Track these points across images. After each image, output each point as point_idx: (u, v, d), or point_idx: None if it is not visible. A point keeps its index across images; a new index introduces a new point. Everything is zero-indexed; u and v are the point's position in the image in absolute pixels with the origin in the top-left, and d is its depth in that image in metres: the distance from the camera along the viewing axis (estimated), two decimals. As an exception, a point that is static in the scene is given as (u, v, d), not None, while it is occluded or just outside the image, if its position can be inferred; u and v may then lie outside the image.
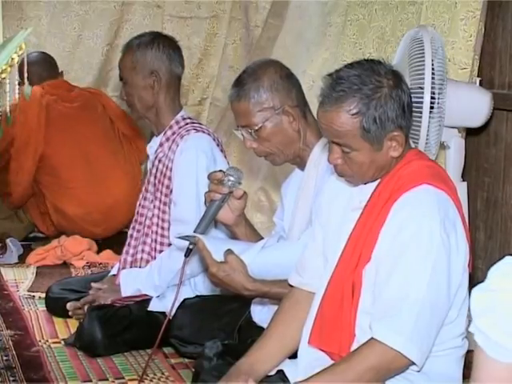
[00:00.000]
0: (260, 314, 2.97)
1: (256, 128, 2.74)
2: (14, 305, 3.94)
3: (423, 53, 3.13)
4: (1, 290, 4.19)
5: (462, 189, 3.25)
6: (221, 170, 2.86)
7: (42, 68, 4.94)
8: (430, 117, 3.14)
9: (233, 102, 2.79)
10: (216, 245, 2.68)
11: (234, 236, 2.99)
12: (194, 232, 2.74)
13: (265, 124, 2.74)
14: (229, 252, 2.65)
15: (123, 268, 3.56)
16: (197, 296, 3.41)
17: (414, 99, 2.28)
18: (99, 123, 5.01)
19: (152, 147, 3.59)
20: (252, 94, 2.74)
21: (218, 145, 3.50)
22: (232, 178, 2.81)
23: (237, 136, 2.85)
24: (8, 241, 4.84)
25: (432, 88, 3.13)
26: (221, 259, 2.64)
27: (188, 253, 2.72)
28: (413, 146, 2.35)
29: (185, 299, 3.33)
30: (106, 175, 4.88)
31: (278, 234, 3.01)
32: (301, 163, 2.83)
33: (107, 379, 3.12)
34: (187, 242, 2.74)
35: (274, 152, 2.79)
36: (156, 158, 3.53)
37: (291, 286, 2.50)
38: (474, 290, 1.36)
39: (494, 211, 3.93)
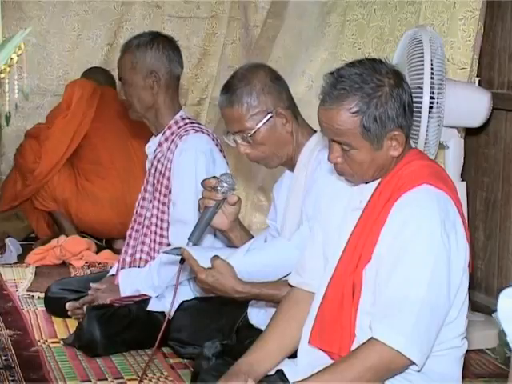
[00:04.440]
0: (257, 316, 2.97)
1: (250, 133, 2.73)
2: (13, 305, 3.94)
3: (422, 53, 3.14)
4: (0, 289, 4.19)
5: (461, 189, 3.25)
6: (214, 177, 2.86)
7: (102, 76, 5.31)
8: (429, 117, 3.14)
9: (224, 108, 2.77)
10: (202, 253, 2.69)
11: (229, 241, 3.00)
12: (189, 239, 2.76)
13: (259, 128, 2.73)
14: (215, 257, 2.66)
15: (122, 268, 3.56)
16: (195, 297, 3.40)
17: (413, 99, 2.28)
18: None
19: (151, 147, 3.59)
20: (245, 99, 2.72)
21: (217, 145, 3.50)
22: (226, 185, 2.81)
23: (227, 143, 2.84)
24: (7, 241, 4.84)
25: (431, 88, 3.14)
26: (208, 266, 2.65)
27: (183, 260, 2.72)
28: (413, 145, 2.35)
29: (183, 301, 3.33)
30: (137, 171, 4.91)
31: (266, 233, 3.01)
32: (292, 165, 2.83)
33: (106, 379, 3.12)
34: (174, 256, 2.75)
35: (269, 155, 2.78)
36: (155, 158, 3.53)
37: (291, 285, 2.50)
38: (503, 294, 1.34)
39: (494, 211, 3.94)
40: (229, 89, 2.76)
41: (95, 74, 5.29)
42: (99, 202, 4.99)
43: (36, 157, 5.06)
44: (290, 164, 2.83)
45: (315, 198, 2.55)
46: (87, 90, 5.12)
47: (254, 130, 2.73)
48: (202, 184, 2.86)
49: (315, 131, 2.76)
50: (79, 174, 5.07)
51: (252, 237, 3.02)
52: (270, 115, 2.74)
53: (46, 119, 5.27)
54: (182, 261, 2.71)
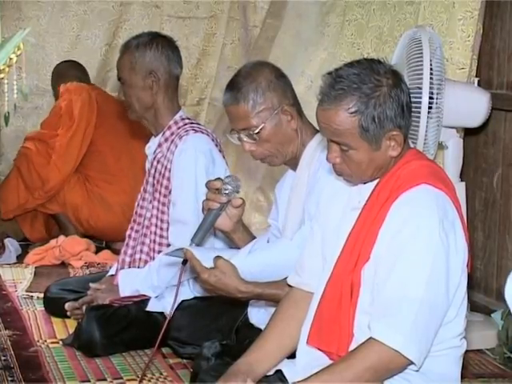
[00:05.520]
0: (257, 315, 2.97)
1: (256, 130, 2.73)
2: (13, 305, 3.94)
3: (421, 53, 3.14)
4: (-1, 290, 4.19)
5: (460, 189, 3.26)
6: (219, 178, 2.85)
7: (80, 72, 5.21)
8: (428, 117, 3.14)
9: (230, 105, 2.76)
10: (204, 253, 2.70)
11: (231, 242, 3.00)
12: (192, 240, 2.76)
13: (265, 125, 2.73)
14: (218, 257, 2.66)
15: (121, 268, 3.56)
16: (195, 297, 3.41)
17: (412, 99, 2.28)
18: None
19: (151, 147, 3.58)
20: (251, 96, 2.72)
21: (216, 145, 3.50)
22: (230, 187, 2.81)
23: (231, 141, 2.84)
24: (6, 241, 4.84)
25: (430, 88, 3.14)
26: (211, 266, 2.65)
27: (186, 261, 2.72)
28: (412, 145, 2.35)
29: (182, 300, 3.33)
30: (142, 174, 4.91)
31: (269, 233, 3.01)
32: (295, 163, 2.83)
33: (105, 379, 3.12)
34: (175, 258, 2.75)
35: (273, 153, 2.78)
36: (154, 158, 3.52)
37: (290, 285, 2.50)
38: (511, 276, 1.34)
39: (493, 211, 3.94)
40: (234, 86, 2.76)
41: (73, 71, 5.19)
42: (111, 208, 4.97)
43: (45, 160, 5.01)
44: (293, 162, 2.83)
45: (317, 197, 2.55)
46: (85, 96, 5.06)
47: (260, 127, 2.73)
48: (207, 186, 2.86)
49: (318, 131, 2.76)
50: (88, 181, 5.04)
51: (254, 238, 3.01)
52: (275, 112, 2.74)
53: (42, 125, 5.20)
54: (185, 262, 2.71)
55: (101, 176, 5.04)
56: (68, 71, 5.18)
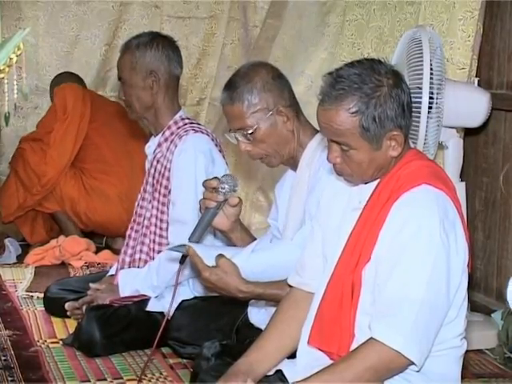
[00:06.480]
0: (257, 315, 2.97)
1: (251, 130, 2.74)
2: (13, 305, 3.94)
3: (421, 53, 3.14)
4: (-1, 290, 4.19)
5: (460, 189, 3.26)
6: (216, 177, 2.86)
7: (77, 80, 5.30)
8: (428, 117, 3.14)
9: (226, 105, 2.78)
10: (207, 251, 2.70)
11: (229, 241, 3.00)
12: (189, 239, 2.76)
13: (259, 125, 2.74)
14: (220, 256, 2.66)
15: (121, 268, 3.56)
16: (195, 297, 3.41)
17: (412, 99, 2.28)
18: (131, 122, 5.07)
19: (150, 147, 3.58)
20: (246, 96, 2.73)
21: (216, 145, 3.50)
22: (227, 186, 2.81)
23: (229, 140, 2.85)
24: (6, 241, 4.84)
25: (430, 88, 3.14)
26: (212, 264, 2.65)
27: (183, 260, 2.72)
28: (412, 145, 2.35)
29: (183, 300, 3.33)
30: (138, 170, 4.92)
31: (271, 234, 3.01)
32: (294, 164, 2.83)
33: (105, 379, 3.12)
34: (177, 253, 2.75)
35: (270, 153, 2.78)
36: (154, 158, 3.53)
37: (290, 286, 2.50)
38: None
39: (493, 211, 3.94)
40: (230, 86, 2.77)
41: (70, 80, 5.25)
42: (109, 199, 5.00)
43: (40, 158, 5.03)
44: (292, 163, 2.83)
45: (318, 197, 2.55)
46: (79, 92, 5.13)
47: (254, 128, 2.73)
48: (204, 185, 2.86)
49: (317, 131, 2.76)
50: (84, 174, 5.07)
51: (253, 237, 3.02)
52: (270, 113, 2.74)
53: (38, 125, 5.23)
54: (183, 260, 2.71)
55: (97, 167, 5.07)
56: (64, 80, 5.23)
